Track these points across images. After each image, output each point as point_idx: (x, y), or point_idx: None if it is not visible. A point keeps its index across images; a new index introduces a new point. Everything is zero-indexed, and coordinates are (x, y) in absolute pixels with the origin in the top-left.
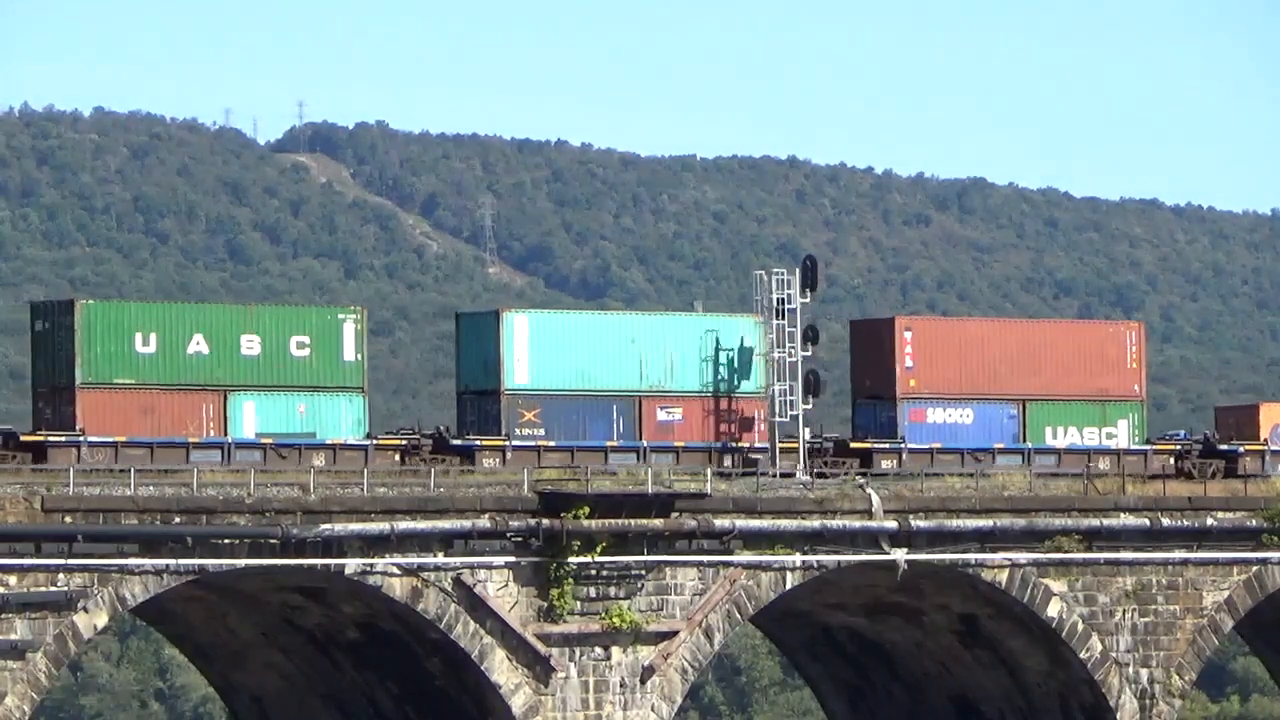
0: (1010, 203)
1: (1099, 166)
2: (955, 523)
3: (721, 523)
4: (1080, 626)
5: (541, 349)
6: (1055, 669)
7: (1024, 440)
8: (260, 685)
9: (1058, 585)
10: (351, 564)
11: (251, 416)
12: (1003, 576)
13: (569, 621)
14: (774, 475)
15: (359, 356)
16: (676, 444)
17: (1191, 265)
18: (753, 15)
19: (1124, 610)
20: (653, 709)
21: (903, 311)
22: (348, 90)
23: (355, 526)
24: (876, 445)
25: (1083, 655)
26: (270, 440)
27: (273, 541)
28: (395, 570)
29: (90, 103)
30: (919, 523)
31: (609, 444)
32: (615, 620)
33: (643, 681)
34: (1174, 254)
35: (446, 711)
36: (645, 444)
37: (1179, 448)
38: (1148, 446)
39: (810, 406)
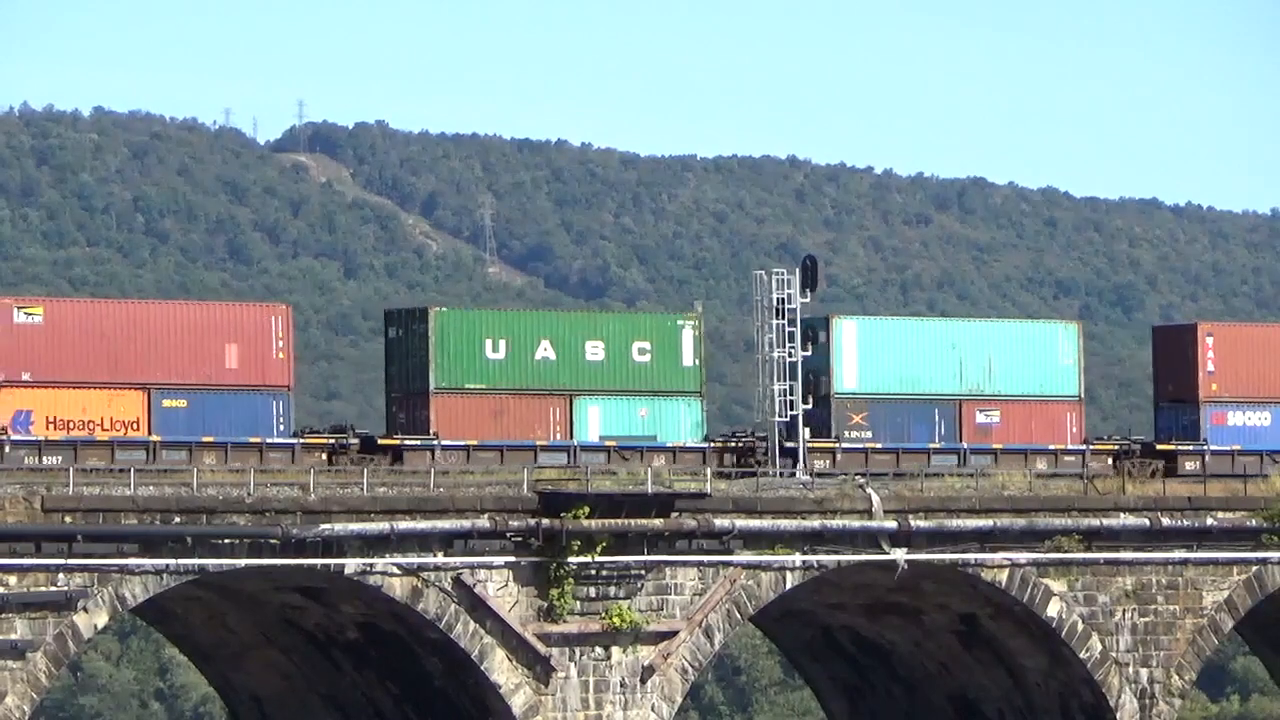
0: (1010, 202)
1: (1099, 166)
2: (955, 522)
3: (721, 523)
4: (1080, 626)
5: (869, 353)
6: (1055, 669)
7: None
8: (260, 685)
9: (1058, 585)
10: (351, 564)
11: (596, 420)
12: (1003, 576)
13: (569, 621)
14: (774, 475)
15: (697, 361)
16: (995, 446)
17: (1191, 265)
18: (752, 15)
19: (1124, 610)
20: (653, 709)
21: (902, 311)
22: (348, 90)
23: (355, 526)
24: (1180, 447)
25: (1083, 655)
26: (614, 443)
27: (273, 541)
28: (395, 570)
29: (90, 103)
30: (919, 523)
31: (931, 446)
32: (615, 620)
33: (643, 681)
34: (1174, 254)
35: (446, 711)
36: (965, 446)
37: None
38: None
39: (810, 406)
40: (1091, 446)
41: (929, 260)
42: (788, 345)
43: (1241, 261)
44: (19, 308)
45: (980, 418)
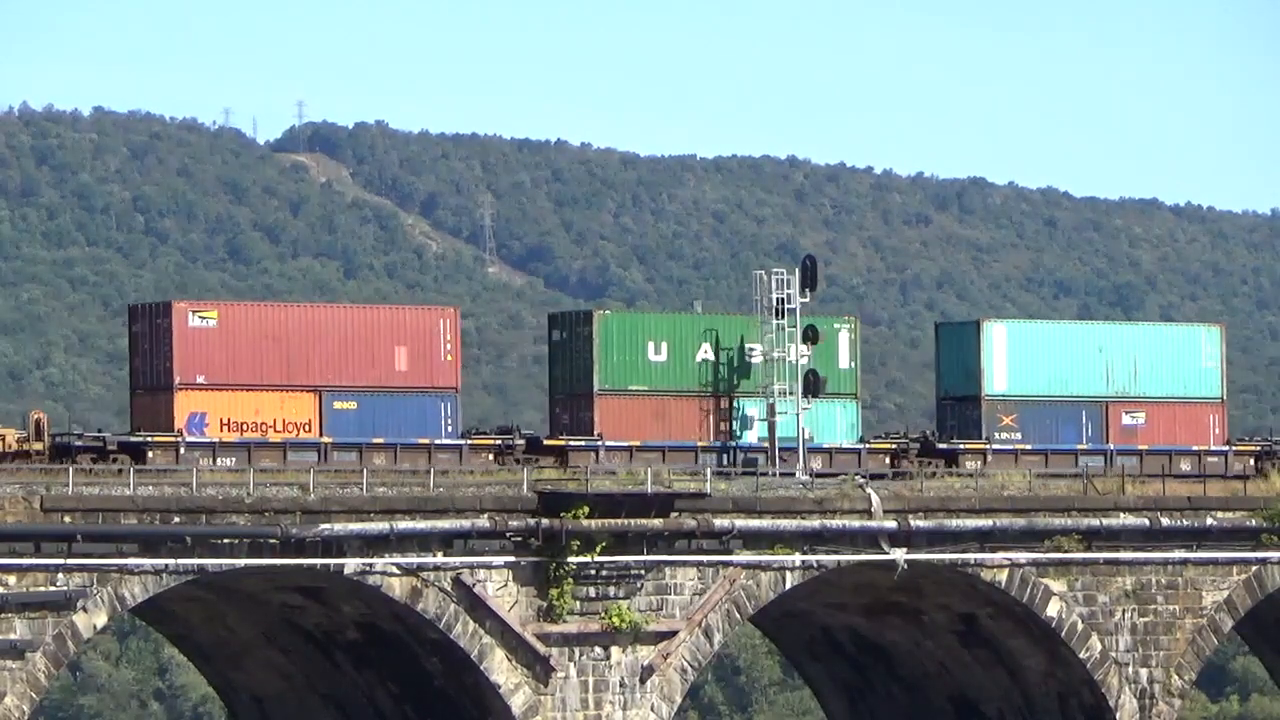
0: (1010, 202)
1: (1099, 166)
2: (955, 522)
3: (721, 522)
4: (1080, 626)
5: (1018, 357)
6: (1055, 669)
7: None
8: (260, 685)
9: (1057, 585)
10: (351, 564)
11: (754, 421)
12: (1002, 576)
13: (568, 621)
14: (773, 474)
15: (853, 364)
16: (1141, 447)
17: (1191, 265)
18: (752, 15)
19: (1124, 610)
20: (652, 709)
21: (901, 310)
22: (347, 90)
23: (355, 526)
24: None
25: (1082, 655)
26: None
27: (272, 541)
28: (395, 570)
29: (90, 103)
30: (919, 522)
31: (1079, 447)
32: (615, 620)
33: (642, 681)
34: (1174, 254)
35: (446, 711)
36: (1112, 447)
37: None
38: None
39: (810, 406)
40: (1234, 447)
41: (929, 260)
42: (788, 345)
43: (1241, 261)
44: (193, 311)
45: (1126, 419)
